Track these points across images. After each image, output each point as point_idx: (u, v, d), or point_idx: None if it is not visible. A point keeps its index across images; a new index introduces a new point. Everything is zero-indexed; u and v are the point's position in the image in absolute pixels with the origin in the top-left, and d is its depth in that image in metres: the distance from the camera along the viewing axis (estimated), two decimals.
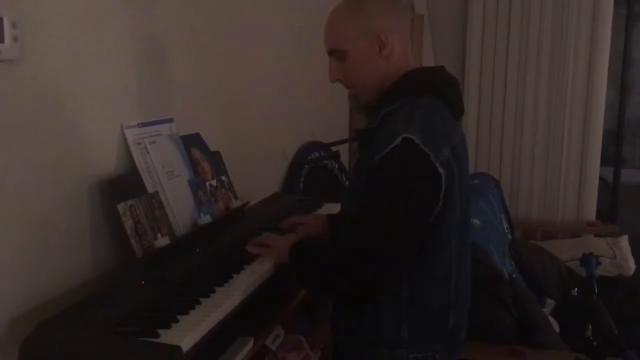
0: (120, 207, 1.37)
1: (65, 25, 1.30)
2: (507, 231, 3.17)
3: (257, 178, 2.24)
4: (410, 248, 1.25)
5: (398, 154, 1.22)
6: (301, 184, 2.55)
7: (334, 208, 1.94)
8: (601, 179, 3.73)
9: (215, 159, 1.81)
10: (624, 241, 3.31)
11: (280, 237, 1.54)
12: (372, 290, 1.29)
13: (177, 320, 1.12)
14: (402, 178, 1.23)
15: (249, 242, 1.51)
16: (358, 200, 1.30)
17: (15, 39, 1.14)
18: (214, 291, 1.27)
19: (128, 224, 1.37)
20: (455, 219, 1.32)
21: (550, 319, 2.52)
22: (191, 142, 1.71)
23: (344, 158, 3.09)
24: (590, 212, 3.66)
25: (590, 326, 2.33)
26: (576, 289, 2.62)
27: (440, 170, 1.23)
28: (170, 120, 1.65)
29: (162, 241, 1.42)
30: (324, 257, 1.33)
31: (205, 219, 1.61)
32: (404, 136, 1.22)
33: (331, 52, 1.39)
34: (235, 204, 1.80)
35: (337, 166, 2.95)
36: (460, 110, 1.41)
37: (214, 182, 1.76)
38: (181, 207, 1.57)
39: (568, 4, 3.49)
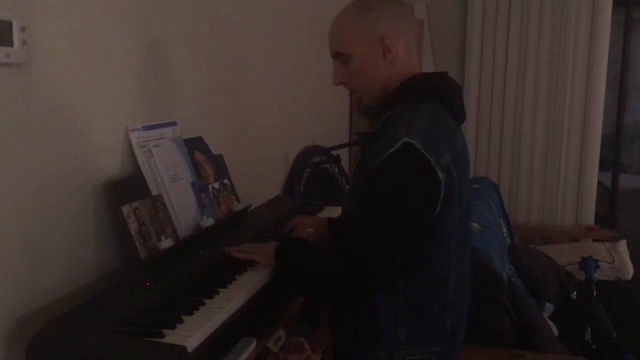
0: (125, 209, 1.38)
1: (72, 30, 1.32)
2: (506, 235, 3.19)
3: (258, 181, 2.26)
4: (407, 251, 1.26)
5: (398, 158, 1.23)
6: (302, 188, 2.57)
7: (334, 211, 1.95)
8: (599, 184, 3.74)
9: (218, 162, 1.83)
10: (622, 246, 3.33)
11: (263, 244, 1.48)
12: (367, 292, 1.29)
13: (182, 321, 1.14)
14: (402, 182, 1.24)
15: (229, 251, 1.46)
16: (357, 202, 1.31)
17: (24, 42, 1.15)
18: (217, 292, 1.29)
19: (132, 226, 1.39)
20: (455, 223, 1.32)
21: (550, 322, 2.53)
22: (194, 146, 1.73)
23: (344, 162, 3.11)
24: (589, 216, 3.67)
25: (589, 330, 2.34)
26: (575, 292, 2.63)
27: (440, 175, 1.23)
28: (174, 123, 1.67)
29: (166, 243, 1.43)
30: (316, 258, 1.33)
31: (208, 221, 1.62)
32: (405, 140, 1.22)
33: (335, 56, 1.39)
34: (237, 206, 1.81)
35: (337, 170, 2.96)
36: (462, 116, 1.42)
37: (216, 185, 1.77)
38: (184, 210, 1.58)
39: (566, 10, 3.51)
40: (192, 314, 1.17)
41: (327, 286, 1.31)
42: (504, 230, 3.19)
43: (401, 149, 1.22)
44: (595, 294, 2.56)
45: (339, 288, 1.29)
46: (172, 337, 1.07)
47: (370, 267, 1.23)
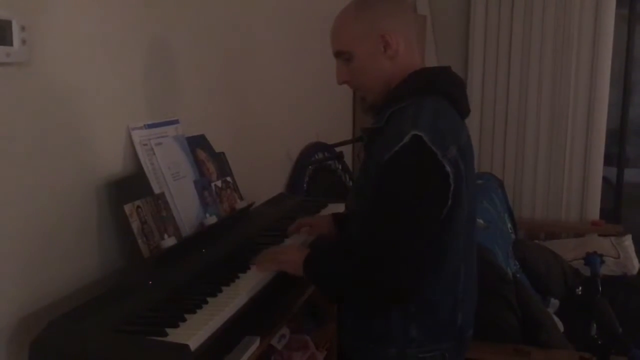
0: (127, 207, 1.38)
1: (73, 28, 1.31)
2: (510, 231, 3.18)
3: (261, 179, 2.25)
4: (425, 247, 1.24)
5: (408, 152, 1.22)
6: (305, 185, 2.56)
7: (338, 208, 1.94)
8: (604, 178, 3.72)
9: (221, 160, 1.82)
10: (628, 240, 3.32)
11: (288, 249, 1.49)
12: (402, 292, 1.26)
13: (184, 320, 1.13)
14: (413, 177, 1.23)
15: (255, 262, 1.43)
16: (366, 200, 1.30)
17: (23, 42, 1.15)
18: (221, 291, 1.28)
19: (135, 225, 1.38)
20: (464, 217, 1.32)
21: (555, 318, 2.52)
22: (197, 143, 1.72)
23: (348, 159, 3.10)
24: (594, 211, 3.66)
25: (595, 325, 2.33)
26: (580, 288, 2.62)
27: (448, 168, 1.23)
28: (176, 121, 1.66)
29: (169, 241, 1.43)
30: (341, 268, 1.30)
31: (211, 219, 1.62)
32: (413, 133, 1.22)
33: (337, 54, 1.39)
34: (240, 204, 1.81)
35: (340, 167, 2.95)
36: (466, 111, 1.41)
37: (219, 183, 1.77)
38: (187, 208, 1.58)
39: (570, 4, 3.49)
40: (195, 312, 1.17)
41: (359, 294, 1.31)
42: (509, 225, 3.18)
43: (410, 143, 1.22)
44: (600, 289, 2.55)
45: (372, 293, 1.27)
46: (175, 335, 1.07)
47: (392, 269, 1.21)
